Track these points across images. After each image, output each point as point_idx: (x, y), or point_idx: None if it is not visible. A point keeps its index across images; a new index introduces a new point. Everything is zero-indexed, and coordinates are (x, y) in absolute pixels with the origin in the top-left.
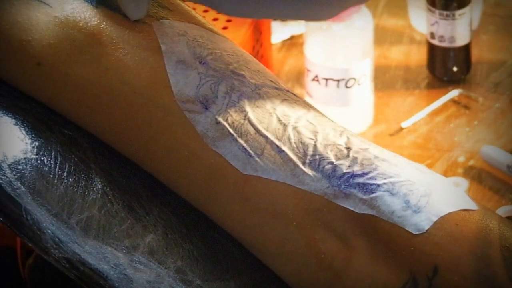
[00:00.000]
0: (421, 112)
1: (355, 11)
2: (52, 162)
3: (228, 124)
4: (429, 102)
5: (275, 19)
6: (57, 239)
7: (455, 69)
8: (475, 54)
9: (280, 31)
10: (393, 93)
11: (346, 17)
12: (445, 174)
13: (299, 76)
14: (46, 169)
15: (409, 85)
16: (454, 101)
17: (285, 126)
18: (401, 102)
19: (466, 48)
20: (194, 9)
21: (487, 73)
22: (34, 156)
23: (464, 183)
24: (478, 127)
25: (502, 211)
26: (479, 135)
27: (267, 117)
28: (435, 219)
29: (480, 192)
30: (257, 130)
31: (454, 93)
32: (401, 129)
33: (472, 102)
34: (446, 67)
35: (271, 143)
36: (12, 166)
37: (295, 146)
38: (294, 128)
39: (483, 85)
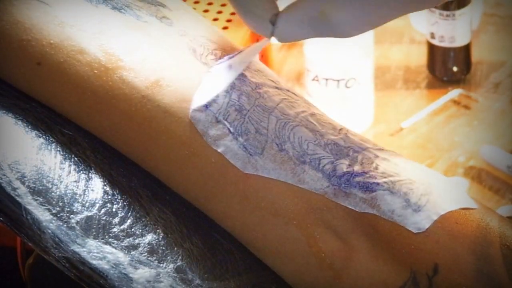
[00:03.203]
0: (421, 112)
1: None
2: (52, 161)
3: (229, 122)
4: (429, 102)
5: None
6: (57, 239)
7: (455, 69)
8: (475, 54)
9: None
10: (393, 93)
11: None
12: (445, 174)
13: (299, 76)
14: (46, 168)
15: (409, 85)
16: (454, 101)
17: (285, 125)
18: (401, 102)
19: (466, 48)
20: (195, 9)
21: (487, 73)
22: (34, 156)
23: (464, 183)
24: (478, 127)
25: (502, 211)
26: (479, 135)
27: (267, 116)
28: (435, 217)
29: (480, 192)
30: (257, 129)
31: (454, 93)
32: (401, 129)
33: (472, 102)
34: (446, 67)
35: (271, 142)
36: (12, 165)
37: (295, 145)
38: (294, 127)
39: (483, 85)
